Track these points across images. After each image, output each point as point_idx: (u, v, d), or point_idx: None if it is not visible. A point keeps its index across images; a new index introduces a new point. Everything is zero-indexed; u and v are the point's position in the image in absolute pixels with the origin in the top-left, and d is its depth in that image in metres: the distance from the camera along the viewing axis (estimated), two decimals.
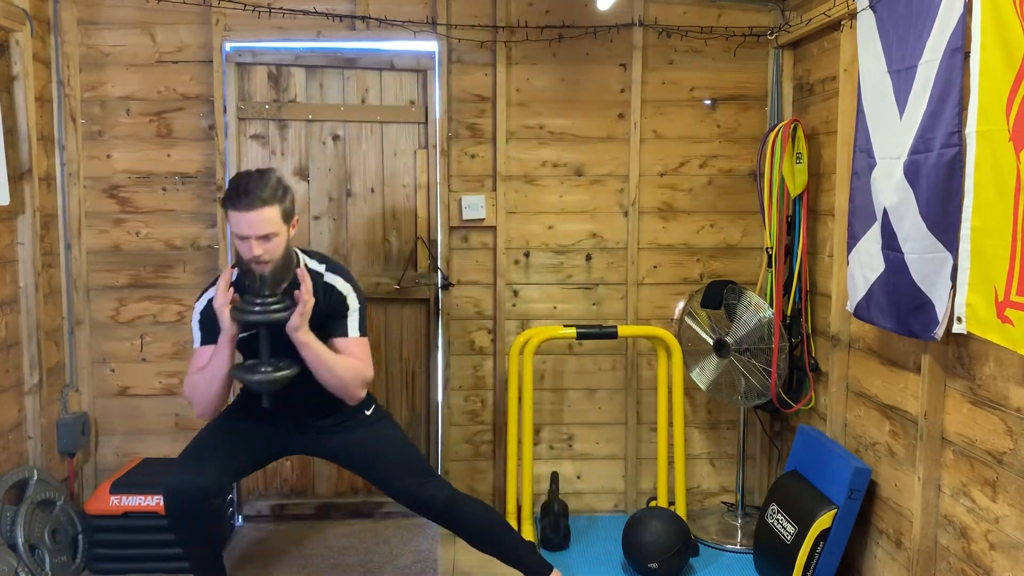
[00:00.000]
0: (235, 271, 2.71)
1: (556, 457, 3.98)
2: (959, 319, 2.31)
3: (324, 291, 2.76)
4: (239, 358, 2.76)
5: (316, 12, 3.67)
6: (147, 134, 3.73)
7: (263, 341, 2.65)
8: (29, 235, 3.31)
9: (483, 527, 2.98)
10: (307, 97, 3.77)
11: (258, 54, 3.72)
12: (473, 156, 3.83)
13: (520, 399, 3.68)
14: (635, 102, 3.82)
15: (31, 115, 3.28)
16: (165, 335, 3.81)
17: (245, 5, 3.62)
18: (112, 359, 3.81)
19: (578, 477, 4.00)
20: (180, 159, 3.75)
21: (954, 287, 2.33)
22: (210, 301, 2.72)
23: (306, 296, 2.62)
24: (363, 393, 2.80)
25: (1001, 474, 2.31)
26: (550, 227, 3.88)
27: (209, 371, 2.68)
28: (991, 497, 2.35)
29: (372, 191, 3.84)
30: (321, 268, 2.81)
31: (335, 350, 2.74)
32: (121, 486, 3.42)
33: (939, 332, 2.44)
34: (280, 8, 3.67)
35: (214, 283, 2.80)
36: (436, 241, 3.85)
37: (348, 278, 2.83)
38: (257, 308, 2.59)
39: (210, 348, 2.71)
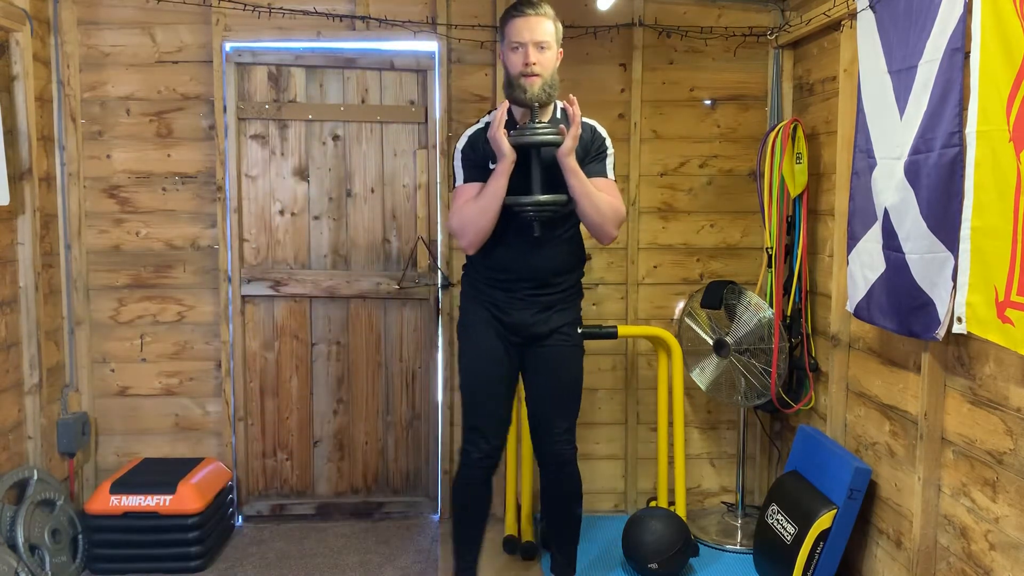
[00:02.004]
0: (493, 113, 2.83)
1: None
2: (959, 319, 2.30)
3: (585, 129, 2.86)
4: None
5: (316, 12, 3.67)
6: (147, 134, 3.73)
7: (534, 167, 2.75)
8: (29, 235, 3.31)
9: (570, 499, 3.07)
10: (307, 97, 3.77)
11: (258, 54, 3.72)
12: None
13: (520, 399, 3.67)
14: (635, 102, 3.82)
15: (31, 115, 3.28)
16: (165, 335, 3.81)
17: (245, 5, 3.62)
18: (112, 359, 3.81)
19: None
20: (180, 159, 3.75)
21: (955, 287, 2.33)
22: (471, 138, 2.87)
23: (577, 120, 2.73)
24: (616, 232, 2.88)
25: (1001, 474, 2.31)
26: None
27: (484, 199, 2.76)
28: (991, 497, 2.35)
29: (372, 191, 3.84)
30: (577, 111, 2.88)
31: None
32: (121, 486, 3.42)
33: (940, 332, 2.44)
34: (280, 8, 3.66)
35: (476, 122, 2.93)
36: (436, 241, 3.85)
37: (603, 127, 2.96)
38: (531, 131, 2.72)
39: (473, 185, 2.82)
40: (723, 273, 3.92)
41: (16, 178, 3.24)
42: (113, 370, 3.81)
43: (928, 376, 2.62)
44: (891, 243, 2.67)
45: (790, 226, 3.59)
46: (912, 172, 2.52)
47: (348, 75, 3.78)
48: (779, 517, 3.26)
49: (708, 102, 3.87)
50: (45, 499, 3.27)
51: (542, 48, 2.74)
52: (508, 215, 2.79)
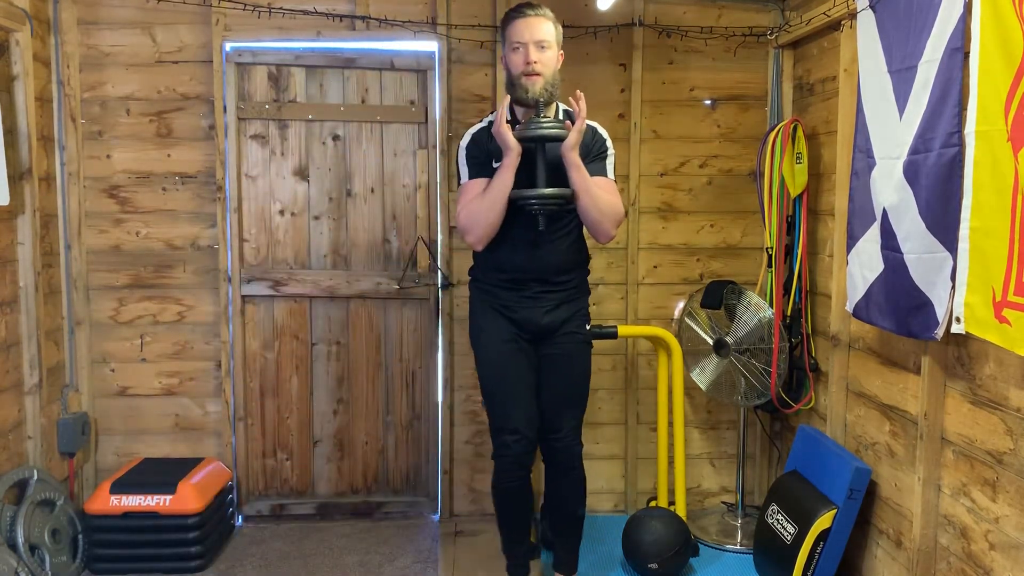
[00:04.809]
0: (494, 114, 2.87)
1: None
2: (958, 319, 2.30)
3: (587, 129, 2.89)
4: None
5: (316, 12, 3.67)
6: (147, 134, 3.73)
7: (539, 162, 2.78)
8: (29, 235, 3.31)
9: (573, 497, 3.11)
10: (307, 97, 3.77)
11: (258, 54, 3.72)
12: None
13: None
14: (635, 102, 3.82)
15: (31, 115, 3.28)
16: (165, 335, 3.82)
17: (245, 5, 3.62)
18: (112, 359, 3.81)
19: None
20: (180, 159, 3.75)
21: (953, 287, 2.33)
22: (475, 136, 2.92)
23: (582, 115, 2.75)
24: (615, 232, 2.92)
25: (1001, 474, 2.31)
26: None
27: (491, 193, 2.79)
28: (991, 497, 2.35)
29: (372, 191, 3.84)
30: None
31: None
32: (121, 486, 3.42)
33: (939, 332, 2.44)
34: (280, 8, 3.67)
35: (479, 121, 3.00)
36: (436, 241, 3.85)
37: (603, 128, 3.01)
38: (535, 125, 2.75)
39: (479, 181, 2.86)
40: (723, 273, 3.92)
41: (16, 178, 3.24)
42: (113, 370, 3.81)
43: (928, 376, 2.62)
44: (890, 243, 2.67)
45: (790, 226, 3.59)
46: (911, 172, 2.52)
47: (348, 75, 3.78)
48: (779, 517, 3.26)
49: (708, 102, 3.87)
50: (45, 499, 3.27)
51: (543, 47, 2.79)
52: (512, 212, 2.82)
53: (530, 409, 2.96)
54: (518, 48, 2.79)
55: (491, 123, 2.86)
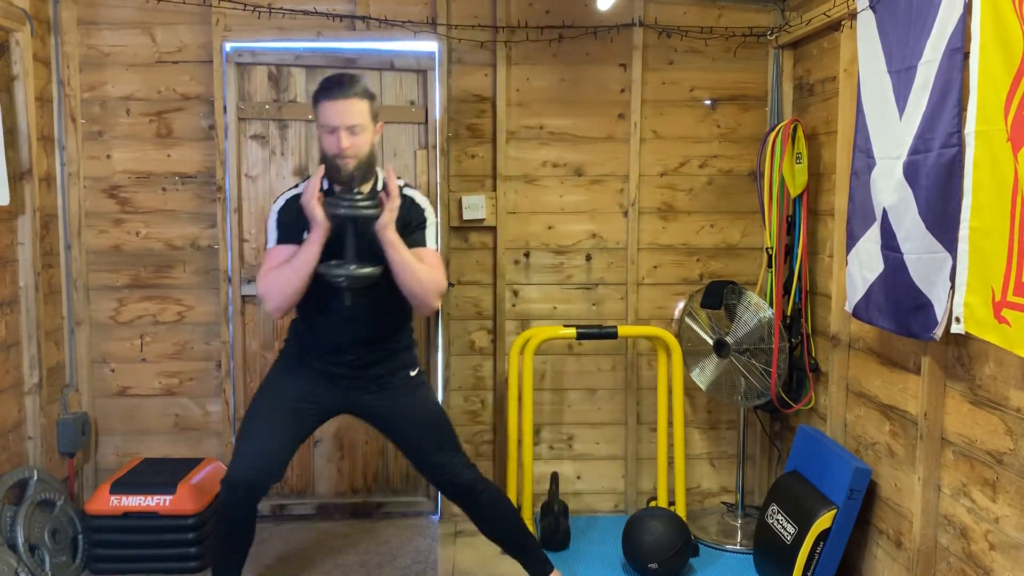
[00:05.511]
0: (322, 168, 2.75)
1: (556, 457, 3.97)
2: (957, 319, 2.30)
3: (404, 201, 2.78)
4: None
5: (316, 12, 3.67)
6: (147, 134, 3.73)
7: (349, 238, 2.67)
8: (29, 235, 3.31)
9: (498, 514, 3.00)
10: (307, 97, 3.77)
11: (258, 54, 3.72)
12: (473, 156, 3.83)
13: (520, 399, 3.68)
14: (635, 102, 3.82)
15: (31, 115, 3.28)
16: (165, 335, 3.82)
17: (245, 5, 3.62)
18: (112, 359, 3.81)
19: (578, 477, 4.00)
20: (180, 159, 3.75)
21: (953, 287, 2.33)
22: (289, 200, 2.78)
23: (395, 194, 2.66)
24: (438, 304, 2.83)
25: (1001, 474, 2.31)
26: (550, 227, 3.88)
27: (295, 265, 2.67)
28: (991, 497, 2.35)
29: None
30: (400, 182, 2.83)
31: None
32: (121, 486, 3.42)
33: (938, 332, 2.44)
34: (280, 8, 3.67)
35: (294, 186, 2.86)
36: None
37: (423, 196, 2.91)
38: (348, 203, 2.63)
39: (287, 247, 2.73)
40: (723, 273, 3.92)
41: (16, 178, 3.24)
42: (113, 370, 3.81)
43: (928, 376, 2.62)
44: (890, 243, 2.67)
45: (790, 226, 3.59)
46: (911, 172, 2.52)
47: None
48: (779, 517, 3.26)
49: (708, 102, 3.87)
50: (45, 499, 3.27)
51: (354, 132, 2.64)
52: (326, 283, 2.70)
53: (266, 455, 2.79)
54: (329, 131, 2.65)
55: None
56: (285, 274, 2.69)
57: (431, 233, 2.84)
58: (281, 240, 2.77)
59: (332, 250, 2.68)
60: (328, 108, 2.65)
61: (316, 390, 2.86)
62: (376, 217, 2.64)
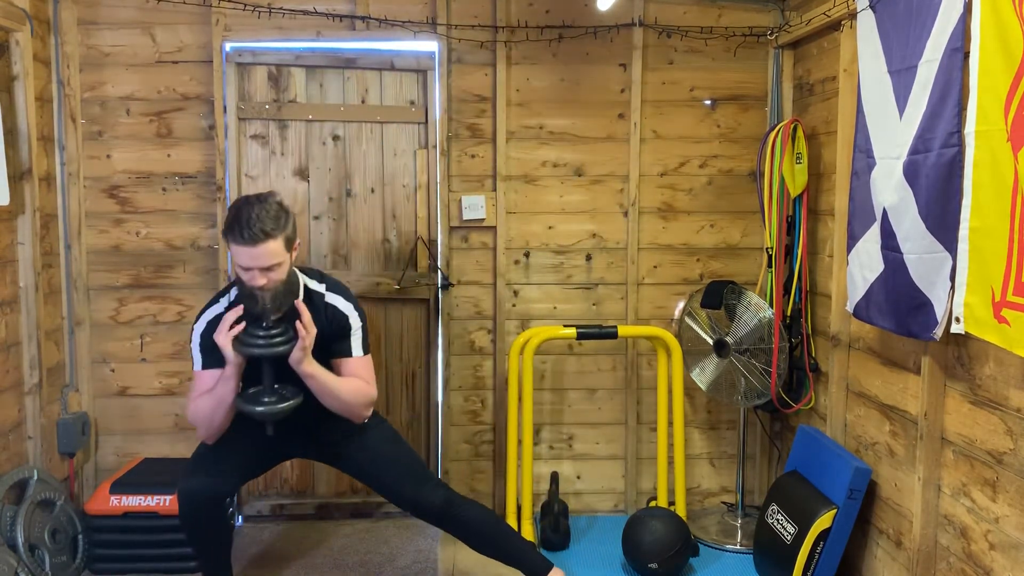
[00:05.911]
0: (235, 290, 2.72)
1: (556, 457, 3.98)
2: (957, 319, 2.30)
3: (326, 312, 2.76)
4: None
5: (316, 12, 3.67)
6: (147, 134, 3.73)
7: (266, 372, 2.65)
8: (29, 235, 3.31)
9: (482, 529, 2.99)
10: (307, 97, 3.77)
11: (258, 54, 3.72)
12: (473, 156, 3.83)
13: (520, 399, 3.68)
14: (635, 102, 3.82)
15: (31, 115, 3.28)
16: (165, 335, 3.82)
17: (245, 5, 3.62)
18: (112, 359, 3.81)
19: (578, 477, 4.00)
20: (180, 159, 3.75)
21: (952, 287, 2.33)
22: (209, 322, 2.72)
23: (307, 328, 2.62)
24: (368, 413, 2.84)
25: (1001, 474, 2.31)
26: (550, 227, 3.88)
27: (214, 398, 2.68)
28: (991, 497, 2.35)
29: (372, 191, 3.84)
30: (321, 288, 2.81)
31: (339, 370, 2.77)
32: (121, 486, 3.42)
33: (938, 332, 2.44)
34: (280, 8, 3.67)
35: (213, 302, 2.80)
36: (436, 241, 3.85)
37: (348, 297, 2.84)
38: (260, 341, 2.59)
39: (212, 372, 2.69)
40: (723, 273, 3.92)
41: (16, 178, 3.24)
42: (113, 370, 3.81)
43: (928, 376, 2.62)
44: (890, 243, 2.67)
45: (790, 226, 3.59)
46: (911, 172, 2.52)
47: (348, 75, 3.78)
48: (779, 517, 3.26)
49: (708, 102, 3.87)
50: (45, 499, 3.27)
51: (271, 269, 2.57)
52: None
53: (224, 474, 2.80)
54: (244, 268, 2.57)
55: (227, 308, 2.68)
56: (209, 405, 2.68)
57: (356, 340, 2.79)
58: (206, 365, 2.73)
59: (254, 376, 2.67)
60: (241, 251, 2.55)
61: (277, 436, 2.81)
62: (287, 354, 2.60)
